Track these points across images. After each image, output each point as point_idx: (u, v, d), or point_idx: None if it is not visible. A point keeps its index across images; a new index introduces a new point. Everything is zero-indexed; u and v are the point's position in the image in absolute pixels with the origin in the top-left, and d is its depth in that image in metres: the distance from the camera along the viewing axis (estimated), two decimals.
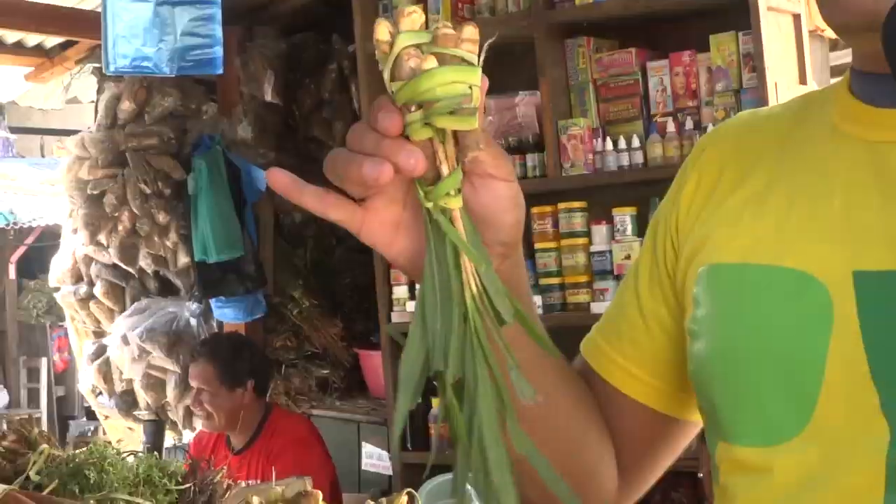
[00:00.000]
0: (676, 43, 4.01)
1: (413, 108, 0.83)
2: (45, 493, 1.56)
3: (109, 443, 1.74)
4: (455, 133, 0.85)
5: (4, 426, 1.87)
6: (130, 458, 1.74)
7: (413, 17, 0.83)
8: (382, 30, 0.83)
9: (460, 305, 0.86)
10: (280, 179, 0.90)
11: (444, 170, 0.85)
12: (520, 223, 0.95)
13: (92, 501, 1.46)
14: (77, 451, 1.65)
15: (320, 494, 1.92)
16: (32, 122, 13.26)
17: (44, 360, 11.64)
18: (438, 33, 0.83)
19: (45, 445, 1.72)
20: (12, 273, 11.89)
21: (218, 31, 4.10)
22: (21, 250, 11.83)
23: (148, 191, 5.12)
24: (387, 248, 0.92)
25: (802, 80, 3.86)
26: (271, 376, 4.39)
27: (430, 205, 0.85)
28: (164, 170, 5.15)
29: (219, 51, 4.10)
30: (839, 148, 1.02)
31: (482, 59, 0.84)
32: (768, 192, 1.05)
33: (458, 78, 0.82)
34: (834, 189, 1.00)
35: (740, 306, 1.02)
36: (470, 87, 0.83)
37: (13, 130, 13.91)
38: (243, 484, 4.01)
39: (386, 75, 0.83)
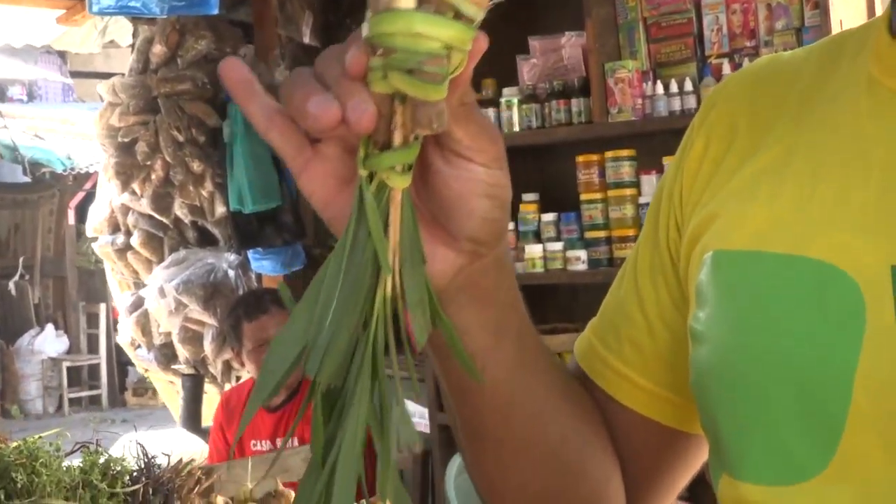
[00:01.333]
0: None
1: (378, 52, 0.64)
2: None
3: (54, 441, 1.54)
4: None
5: None
6: (75, 458, 1.54)
7: None
8: None
9: (366, 306, 0.67)
10: (232, 74, 0.71)
11: (397, 138, 0.67)
12: (496, 220, 0.75)
13: None
14: (12, 447, 1.46)
15: (292, 494, 1.72)
16: (94, 67, 13.18)
17: (102, 306, 11.63)
18: None
19: None
20: (71, 218, 11.88)
21: None
22: (80, 195, 11.79)
23: (181, 138, 4.94)
24: (323, 206, 0.73)
25: (872, 17, 3.55)
26: None
27: (364, 173, 0.67)
28: (198, 116, 4.96)
29: None
30: (878, 107, 0.80)
31: (477, 21, 0.65)
32: (788, 162, 0.83)
33: (428, 31, 0.63)
34: (870, 162, 0.78)
35: (751, 304, 0.80)
36: (447, 48, 0.64)
37: (74, 75, 13.89)
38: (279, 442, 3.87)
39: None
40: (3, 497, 1.36)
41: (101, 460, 1.49)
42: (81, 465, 1.46)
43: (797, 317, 0.77)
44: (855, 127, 0.80)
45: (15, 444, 1.49)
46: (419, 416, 4.69)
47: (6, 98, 12.95)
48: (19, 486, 1.35)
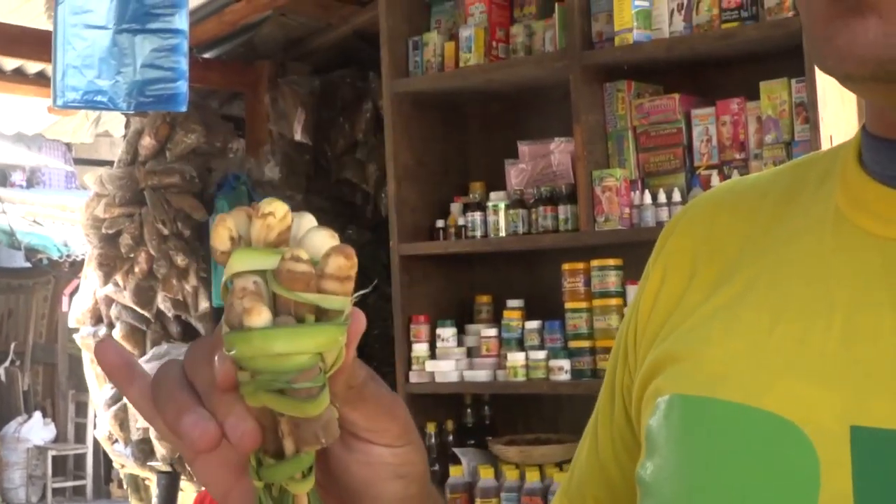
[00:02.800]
0: (723, 89, 3.69)
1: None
2: None
3: None
4: None
5: None
6: None
7: (269, 222, 0.58)
8: (220, 234, 0.58)
9: None
10: (108, 357, 0.64)
11: (288, 447, 0.60)
12: (412, 497, 0.68)
13: None
14: None
15: None
16: (99, 155, 13.22)
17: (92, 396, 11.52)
18: (283, 267, 0.57)
19: None
20: (65, 305, 11.78)
21: (183, 63, 3.73)
22: (75, 283, 11.71)
23: (166, 231, 4.89)
24: (223, 498, 0.66)
25: None
26: None
27: (260, 485, 0.60)
28: (184, 209, 4.92)
29: (183, 85, 3.73)
30: (843, 244, 0.73)
31: (348, 310, 0.59)
32: (746, 299, 0.76)
33: (293, 347, 0.56)
34: (833, 304, 0.71)
35: (700, 459, 0.73)
36: (320, 355, 0.58)
37: (78, 162, 13.93)
38: None
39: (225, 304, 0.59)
40: None
41: None
42: None
43: (747, 478, 0.69)
44: (819, 265, 0.73)
45: None
46: None
47: (7, 183, 12.97)
48: None
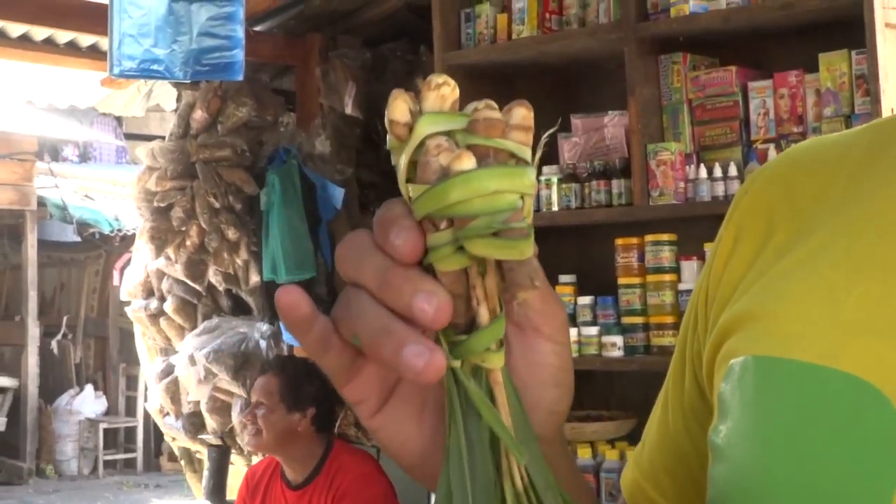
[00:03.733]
0: (781, 62, 3.63)
1: (442, 226, 0.59)
2: None
3: None
4: (499, 263, 0.60)
5: None
6: None
7: (443, 92, 0.60)
8: (399, 106, 0.59)
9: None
10: (291, 301, 0.63)
11: (483, 315, 0.60)
12: (562, 412, 0.68)
13: None
14: None
15: None
16: (149, 130, 13.31)
17: (142, 369, 11.62)
18: (479, 116, 0.59)
19: None
20: (116, 279, 11.89)
21: (239, 31, 3.71)
22: (126, 257, 11.82)
23: (217, 205, 4.89)
24: (370, 415, 0.66)
25: None
26: (337, 412, 4.05)
27: (457, 364, 0.61)
28: (235, 183, 4.92)
29: (239, 54, 3.73)
30: None
31: (537, 156, 0.61)
32: (825, 257, 0.74)
33: (505, 185, 0.58)
34: None
35: (776, 422, 0.71)
36: (521, 198, 0.59)
37: (129, 137, 14.03)
38: None
39: (401, 173, 0.60)
40: None
41: None
42: None
43: (824, 440, 0.67)
44: None
45: None
46: None
47: (60, 158, 13.09)
48: None
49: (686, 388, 0.84)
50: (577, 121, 4.06)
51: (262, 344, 5.09)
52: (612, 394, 4.04)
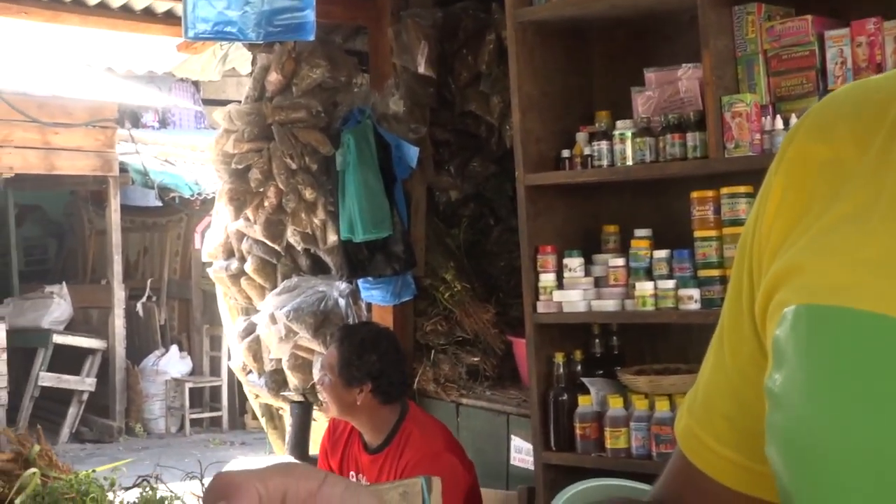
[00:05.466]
0: (859, 9, 3.57)
1: None
2: None
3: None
4: None
5: (4, 440, 1.66)
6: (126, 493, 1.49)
7: None
8: None
9: None
10: None
11: None
12: None
13: None
14: (65, 478, 1.42)
15: None
16: (226, 95, 13.45)
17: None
18: None
19: (34, 470, 1.49)
20: (198, 242, 12.07)
21: None
22: (206, 220, 11.99)
23: (294, 166, 4.95)
24: None
25: None
26: (402, 382, 4.01)
27: None
28: (311, 144, 4.97)
29: (310, 14, 3.74)
30: None
31: None
32: (876, 204, 0.74)
33: None
34: None
35: (832, 370, 0.71)
36: None
37: (206, 103, 14.18)
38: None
39: None
40: None
41: (158, 496, 1.44)
42: (136, 501, 1.42)
43: (882, 390, 0.67)
44: None
45: (67, 477, 1.46)
46: (526, 452, 4.60)
47: (140, 124, 13.28)
48: None
49: (742, 330, 0.84)
50: (650, 74, 4.03)
51: (341, 302, 5.15)
52: (689, 347, 4.04)
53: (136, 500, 1.40)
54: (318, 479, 0.68)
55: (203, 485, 1.59)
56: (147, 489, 1.47)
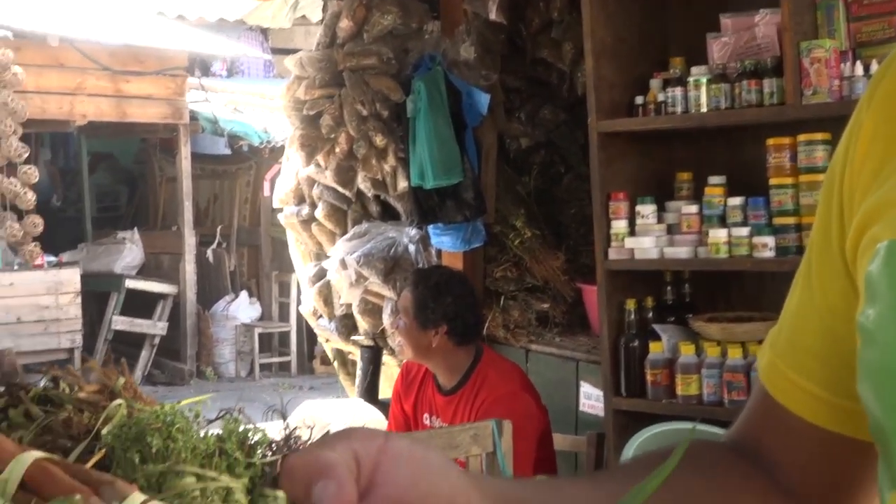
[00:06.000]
0: None
1: None
2: (89, 464, 1.36)
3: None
4: None
5: (90, 373, 1.69)
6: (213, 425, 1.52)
7: None
8: None
9: None
10: None
11: None
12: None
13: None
14: (149, 412, 1.45)
15: None
16: (294, 44, 13.47)
17: (294, 276, 11.89)
18: None
19: (120, 401, 1.52)
20: (266, 190, 12.17)
21: None
22: (275, 168, 12.08)
23: (365, 112, 4.96)
24: None
25: None
26: (477, 324, 4.02)
27: None
28: (382, 91, 4.98)
29: None
30: None
31: None
32: None
33: None
34: None
35: None
36: None
37: (275, 52, 14.22)
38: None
39: None
40: (137, 461, 1.35)
41: (241, 429, 1.47)
42: (220, 433, 1.45)
43: None
44: None
45: (152, 408, 1.49)
46: (595, 399, 4.61)
47: (209, 73, 13.36)
48: (154, 450, 1.34)
49: (835, 269, 0.84)
50: (726, 20, 3.97)
51: (411, 248, 5.18)
52: (762, 295, 4.01)
53: (221, 432, 1.43)
54: (382, 437, 0.69)
55: (285, 419, 1.62)
56: (231, 421, 1.49)
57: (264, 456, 1.57)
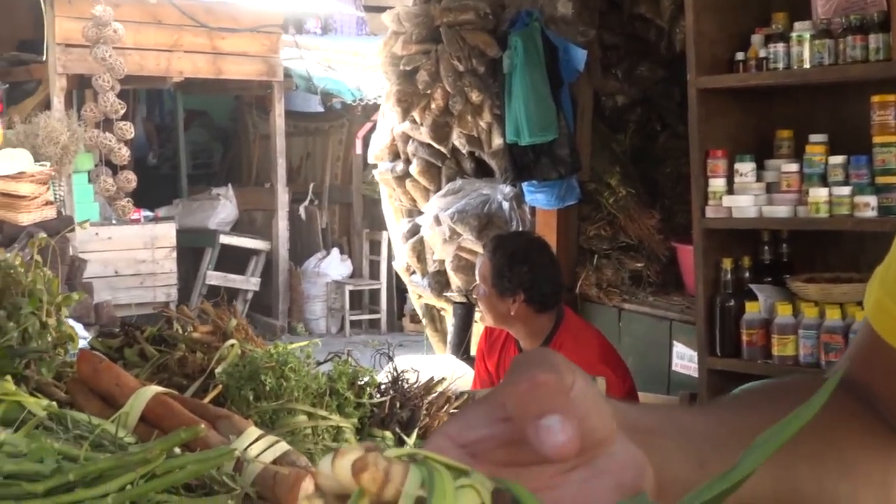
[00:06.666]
0: None
1: None
2: (206, 399, 1.41)
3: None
4: None
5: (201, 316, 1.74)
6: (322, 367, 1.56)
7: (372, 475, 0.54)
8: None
9: None
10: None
11: None
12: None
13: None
14: (262, 352, 1.49)
15: None
16: (387, 2, 13.48)
17: (384, 234, 11.98)
18: None
19: (233, 341, 1.56)
20: (359, 148, 12.25)
21: None
22: (367, 126, 12.15)
23: (461, 68, 4.96)
24: None
25: None
26: (557, 290, 3.99)
27: None
28: (478, 46, 4.97)
29: None
30: None
31: None
32: None
33: None
34: None
35: None
36: None
37: (368, 10, 14.25)
38: None
39: None
40: (251, 398, 1.39)
41: (350, 371, 1.50)
42: (330, 373, 1.48)
43: None
44: None
45: (265, 349, 1.52)
46: (688, 359, 4.59)
47: (303, 30, 13.44)
48: (267, 388, 1.38)
49: None
50: None
51: (505, 205, 5.18)
52: (861, 255, 3.95)
53: (331, 371, 1.46)
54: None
55: (392, 359, 1.65)
56: (341, 363, 1.53)
57: (372, 397, 1.60)
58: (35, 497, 1.04)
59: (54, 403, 1.23)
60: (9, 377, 1.21)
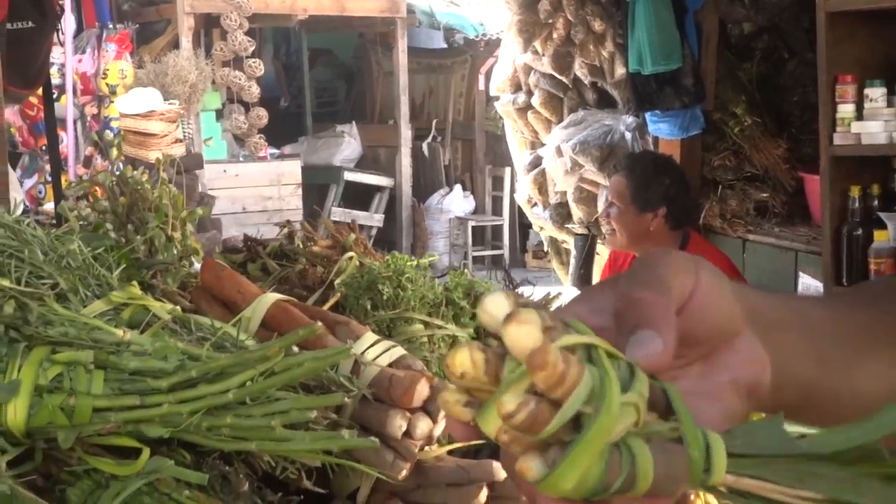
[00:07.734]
0: None
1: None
2: (326, 306, 1.44)
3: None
4: None
5: (321, 231, 1.77)
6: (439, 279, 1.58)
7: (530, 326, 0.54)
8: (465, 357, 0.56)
9: None
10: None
11: None
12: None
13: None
14: (380, 263, 1.51)
15: None
16: None
17: (507, 170, 11.98)
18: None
19: (351, 253, 1.59)
20: (481, 84, 12.21)
21: None
22: (490, 62, 12.10)
23: None
24: None
25: None
26: (694, 207, 3.95)
27: None
28: None
29: None
30: None
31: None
32: None
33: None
34: None
35: None
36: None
37: None
38: None
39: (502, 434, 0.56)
40: (369, 307, 1.42)
41: (465, 282, 1.52)
42: (446, 284, 1.50)
43: None
44: None
45: (383, 260, 1.55)
46: (814, 290, 4.51)
47: None
48: (385, 298, 1.41)
49: None
50: None
51: (627, 136, 5.13)
52: None
53: (447, 283, 1.49)
54: (694, 273, 0.64)
55: (507, 272, 1.67)
56: (457, 274, 1.55)
57: None
58: (159, 392, 1.09)
59: (178, 308, 1.27)
60: (135, 283, 1.26)
